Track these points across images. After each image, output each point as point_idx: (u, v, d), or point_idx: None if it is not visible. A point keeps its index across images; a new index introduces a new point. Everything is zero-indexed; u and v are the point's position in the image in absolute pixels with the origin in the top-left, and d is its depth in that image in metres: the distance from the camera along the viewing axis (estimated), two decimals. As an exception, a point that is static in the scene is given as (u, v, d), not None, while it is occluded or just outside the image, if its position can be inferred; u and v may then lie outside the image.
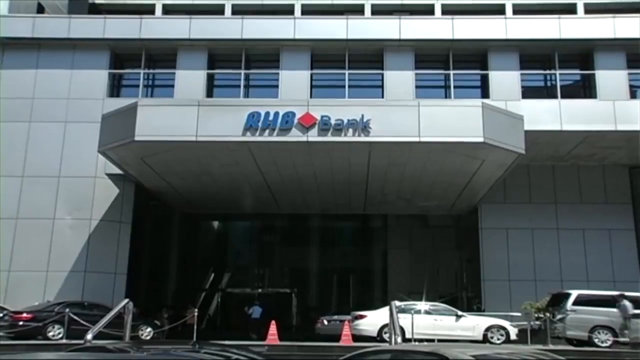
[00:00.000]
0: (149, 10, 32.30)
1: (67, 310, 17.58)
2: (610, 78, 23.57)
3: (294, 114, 18.56)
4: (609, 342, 17.18)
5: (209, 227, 35.40)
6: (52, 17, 26.92)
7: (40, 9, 27.60)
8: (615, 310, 17.55)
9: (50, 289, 21.72)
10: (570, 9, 31.17)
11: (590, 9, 30.91)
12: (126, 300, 16.86)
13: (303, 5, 32.71)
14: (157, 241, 28.21)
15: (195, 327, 20.01)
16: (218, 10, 32.63)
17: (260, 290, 33.41)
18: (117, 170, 22.04)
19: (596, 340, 17.26)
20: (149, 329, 19.61)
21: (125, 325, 16.26)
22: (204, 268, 34.21)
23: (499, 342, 18.14)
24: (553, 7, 30.56)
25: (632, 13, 26.74)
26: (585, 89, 24.23)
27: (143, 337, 19.03)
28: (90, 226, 22.74)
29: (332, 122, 18.48)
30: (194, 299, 30.49)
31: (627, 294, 18.73)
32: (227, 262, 35.74)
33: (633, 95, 23.87)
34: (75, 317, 16.97)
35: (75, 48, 24.40)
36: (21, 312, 18.02)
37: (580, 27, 24.55)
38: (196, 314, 20.60)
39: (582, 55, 24.42)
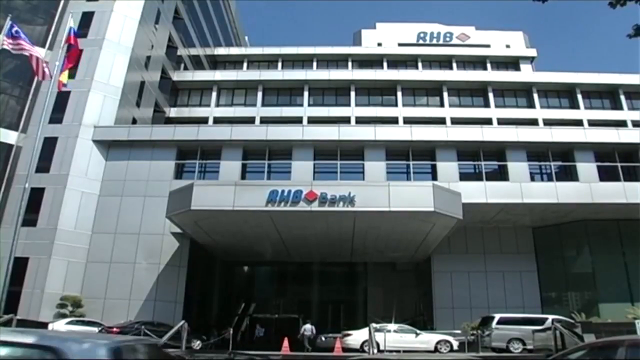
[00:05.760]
0: (203, 120, 33.92)
1: (143, 326, 17.67)
2: (517, 167, 24.01)
3: (301, 191, 18.73)
4: (520, 350, 17.00)
5: (240, 271, 34.50)
6: (141, 126, 27.62)
7: (134, 121, 28.10)
8: (524, 326, 17.38)
9: (132, 312, 21.85)
10: (489, 122, 32.91)
11: (501, 122, 32.60)
12: (183, 321, 16.79)
13: (309, 117, 34.52)
14: (204, 280, 27.39)
15: (230, 341, 19.39)
16: (250, 120, 34.30)
17: (276, 315, 32.27)
18: (178, 230, 22.18)
19: (511, 349, 17.05)
20: (198, 342, 19.56)
21: (182, 338, 16.13)
22: (237, 299, 33.07)
23: (445, 351, 18.05)
24: (477, 120, 32.15)
25: (529, 125, 28.48)
26: (501, 174, 24.35)
27: (194, 347, 18.94)
28: (159, 269, 22.88)
29: (329, 197, 18.61)
30: (230, 321, 29.66)
31: (531, 315, 19.00)
32: (253, 296, 34.61)
33: (532, 179, 24.22)
34: (148, 332, 16.98)
35: (154, 146, 24.96)
36: (112, 327, 18.17)
37: (495, 133, 25.31)
38: (231, 332, 20.33)
39: (498, 152, 24.70)
